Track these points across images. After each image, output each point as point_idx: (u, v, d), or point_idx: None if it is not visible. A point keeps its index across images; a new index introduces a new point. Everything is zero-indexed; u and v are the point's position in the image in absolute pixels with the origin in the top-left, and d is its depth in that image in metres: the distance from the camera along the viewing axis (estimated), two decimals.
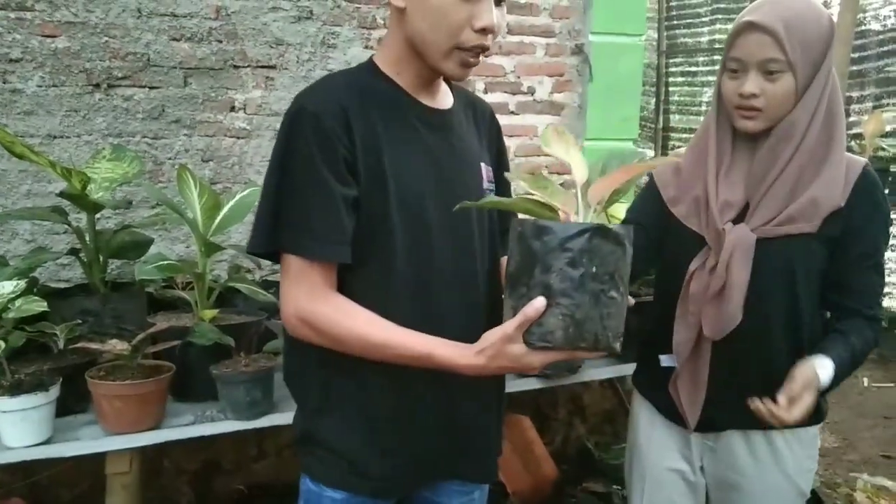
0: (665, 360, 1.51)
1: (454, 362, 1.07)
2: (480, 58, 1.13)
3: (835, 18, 4.16)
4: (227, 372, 1.73)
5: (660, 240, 1.52)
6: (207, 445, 2.41)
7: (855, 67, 4.67)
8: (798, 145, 1.34)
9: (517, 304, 1.00)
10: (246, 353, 1.79)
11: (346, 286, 1.15)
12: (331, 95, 1.12)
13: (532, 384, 2.08)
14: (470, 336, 1.09)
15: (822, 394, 1.36)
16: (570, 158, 1.07)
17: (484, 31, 1.08)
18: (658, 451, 1.58)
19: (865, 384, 4.25)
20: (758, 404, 1.27)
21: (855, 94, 4.82)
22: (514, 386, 2.01)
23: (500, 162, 1.37)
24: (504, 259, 1.10)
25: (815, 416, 1.45)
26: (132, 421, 1.66)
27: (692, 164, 1.47)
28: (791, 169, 1.35)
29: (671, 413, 1.52)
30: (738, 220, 1.39)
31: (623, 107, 3.19)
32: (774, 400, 1.27)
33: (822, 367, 1.31)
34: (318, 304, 1.11)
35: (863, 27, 4.83)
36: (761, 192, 1.37)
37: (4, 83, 2.29)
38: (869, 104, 4.78)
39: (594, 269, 0.97)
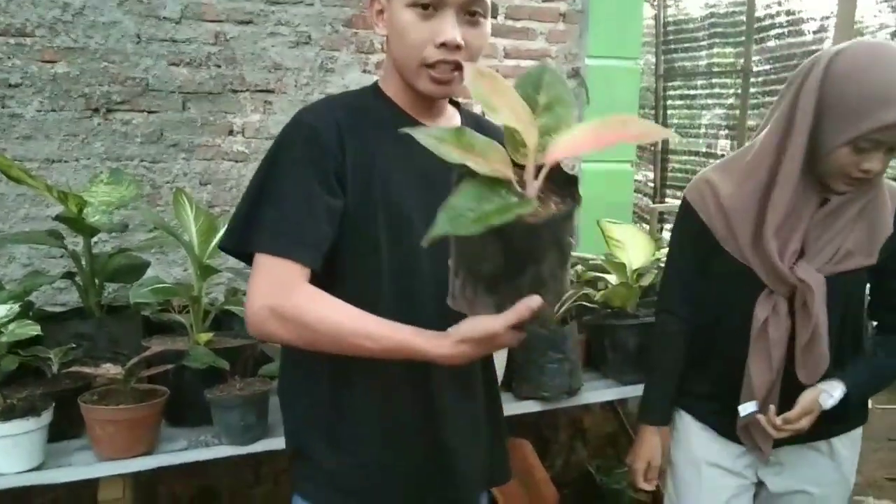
0: (746, 409, 1.48)
1: (427, 352, 1.04)
2: (455, 74, 1.12)
3: (829, 43, 4.19)
4: (221, 396, 1.71)
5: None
6: (203, 471, 2.37)
7: None
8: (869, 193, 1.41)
9: (502, 301, 0.94)
10: (241, 376, 1.77)
11: None
12: (326, 112, 1.14)
13: (532, 407, 2.06)
14: None
15: (858, 399, 1.47)
16: (512, 118, 0.87)
17: (445, 46, 1.09)
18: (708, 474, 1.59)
19: (870, 406, 4.21)
20: (759, 416, 1.44)
21: None
22: (512, 409, 1.99)
23: None
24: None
25: (862, 416, 1.60)
26: (125, 446, 1.63)
27: (743, 202, 1.45)
28: (856, 212, 1.41)
29: (729, 433, 1.55)
30: (796, 259, 1.43)
31: None
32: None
33: (828, 393, 1.41)
34: (287, 294, 1.06)
35: None
36: (826, 236, 1.41)
37: (3, 108, 2.31)
38: None
39: (571, 240, 0.93)
